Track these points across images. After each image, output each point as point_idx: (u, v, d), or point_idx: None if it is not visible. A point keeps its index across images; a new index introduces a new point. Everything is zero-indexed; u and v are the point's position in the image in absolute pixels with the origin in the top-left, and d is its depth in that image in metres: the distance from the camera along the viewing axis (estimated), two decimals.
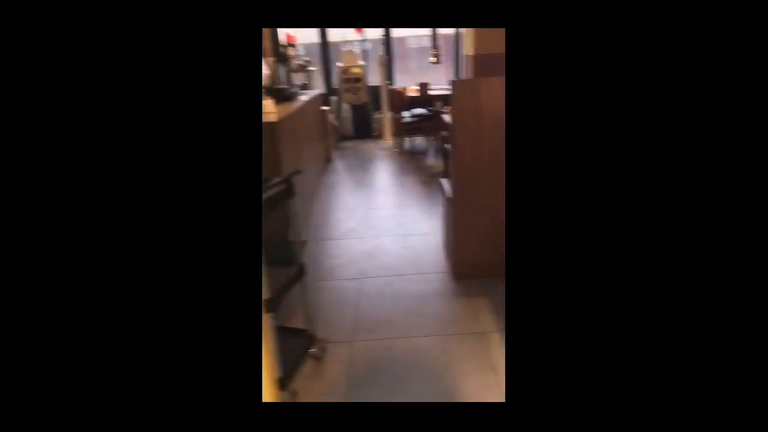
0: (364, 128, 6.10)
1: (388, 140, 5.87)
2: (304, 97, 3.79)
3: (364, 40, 6.17)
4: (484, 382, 1.66)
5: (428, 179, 4.19)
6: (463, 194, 2.27)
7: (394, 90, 5.39)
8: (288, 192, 1.63)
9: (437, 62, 5.50)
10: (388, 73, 5.87)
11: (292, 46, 4.77)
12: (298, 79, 4.86)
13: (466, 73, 3.45)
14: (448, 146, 2.64)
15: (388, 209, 3.58)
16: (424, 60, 5.85)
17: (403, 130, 5.29)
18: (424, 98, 5.11)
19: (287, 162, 2.68)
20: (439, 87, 5.16)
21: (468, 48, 3.34)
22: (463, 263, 2.38)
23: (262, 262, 1.24)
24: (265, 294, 1.38)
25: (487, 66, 3.17)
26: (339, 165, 5.00)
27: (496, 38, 3.10)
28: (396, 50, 6.08)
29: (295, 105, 3.29)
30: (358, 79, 5.78)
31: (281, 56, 4.21)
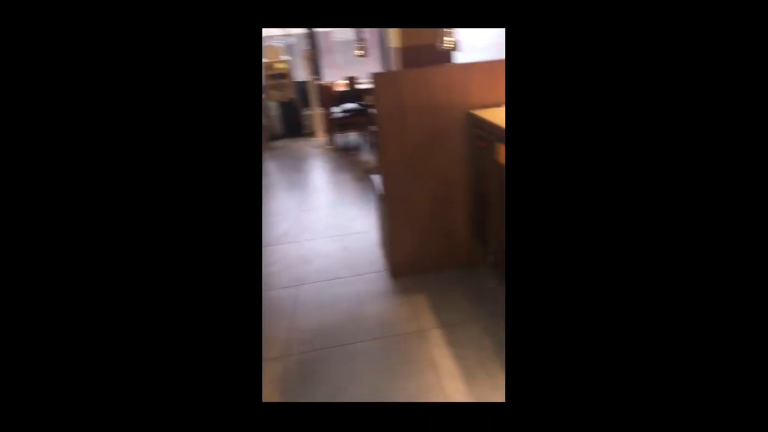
0: (294, 126, 5.91)
1: (320, 137, 5.73)
2: None
3: (287, 35, 5.95)
4: (425, 383, 1.62)
5: (363, 175, 4.11)
6: (394, 190, 2.22)
7: (322, 85, 5.24)
8: None
9: (364, 55, 5.41)
10: (315, 68, 5.71)
11: None
12: None
13: (394, 65, 3.40)
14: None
15: (324, 209, 3.47)
16: (351, 53, 5.74)
17: (334, 126, 5.17)
18: (353, 93, 5.01)
19: None
20: (368, 80, 5.08)
21: (394, 40, 3.29)
22: (400, 260, 2.34)
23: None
24: None
25: (414, 57, 3.15)
26: (270, 166, 4.80)
27: (423, 30, 3.07)
28: (321, 44, 5.92)
29: None
30: (283, 75, 5.57)
31: None
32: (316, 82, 5.46)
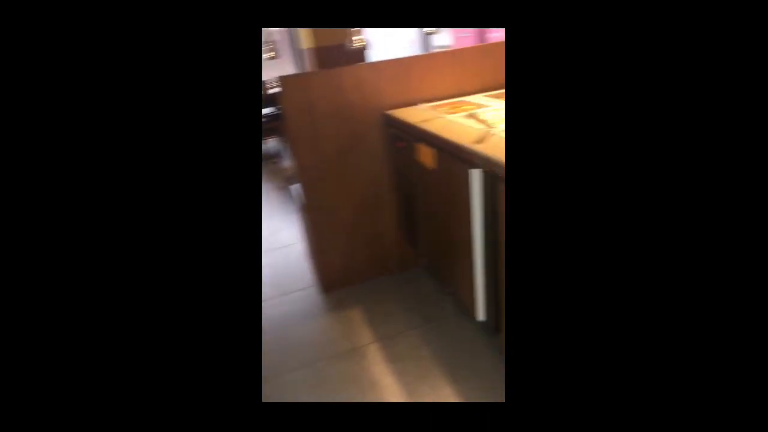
0: None
1: None
2: None
3: None
4: None
5: (284, 184, 3.91)
6: (315, 197, 2.08)
7: None
8: None
9: (275, 57, 5.18)
10: None
11: None
12: None
13: (308, 67, 3.24)
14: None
15: None
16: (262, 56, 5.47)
17: None
18: (266, 97, 4.76)
19: None
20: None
21: (306, 41, 3.14)
22: (330, 273, 2.20)
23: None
24: None
25: (328, 58, 3.01)
26: None
27: (336, 30, 2.95)
28: None
29: None
30: None
31: None
32: None
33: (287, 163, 4.61)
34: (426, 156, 1.71)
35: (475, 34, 4.25)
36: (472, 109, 1.85)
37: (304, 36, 3.13)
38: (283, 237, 2.86)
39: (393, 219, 2.22)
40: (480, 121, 1.52)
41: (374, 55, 3.14)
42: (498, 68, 2.16)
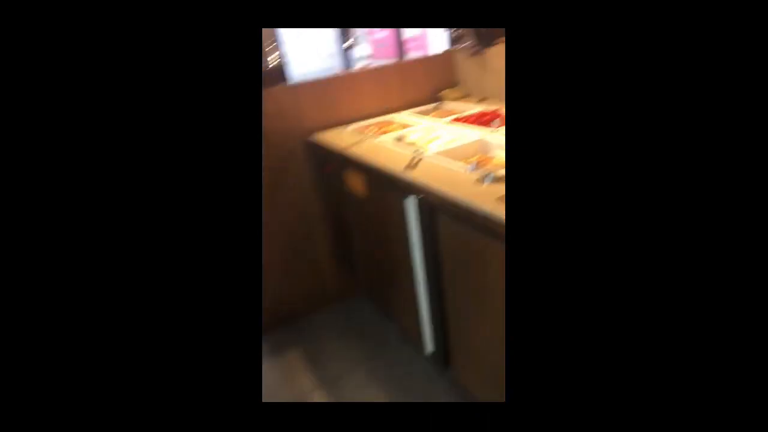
0: None
1: None
2: None
3: None
4: None
5: None
6: None
7: None
8: None
9: None
10: None
11: None
12: None
13: None
14: None
15: None
16: None
17: None
18: None
19: None
20: None
21: None
22: (266, 312, 2.02)
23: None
24: None
25: None
26: None
27: None
28: None
29: None
30: None
31: None
32: None
33: None
34: (356, 183, 1.61)
35: (393, 45, 4.25)
36: (399, 129, 1.77)
37: None
38: None
39: (327, 249, 2.09)
40: (409, 143, 1.45)
41: (294, 71, 3.00)
42: (420, 83, 2.12)
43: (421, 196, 1.22)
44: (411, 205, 1.27)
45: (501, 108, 1.73)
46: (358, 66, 4.18)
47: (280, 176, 1.90)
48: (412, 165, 1.30)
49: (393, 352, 1.80)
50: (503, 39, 1.97)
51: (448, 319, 1.33)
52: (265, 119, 1.79)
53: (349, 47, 4.57)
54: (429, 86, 2.15)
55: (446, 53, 2.16)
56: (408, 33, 4.27)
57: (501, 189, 1.01)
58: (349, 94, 1.97)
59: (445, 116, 1.80)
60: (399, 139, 1.41)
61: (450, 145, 1.42)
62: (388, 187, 1.39)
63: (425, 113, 1.97)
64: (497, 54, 1.90)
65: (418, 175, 1.22)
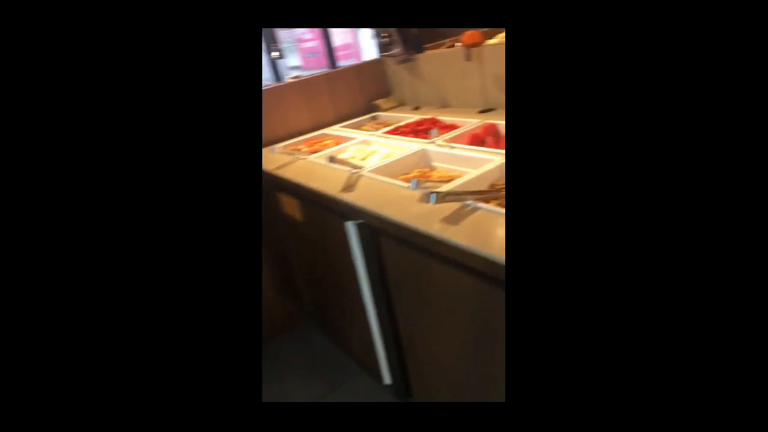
0: None
1: None
2: None
3: None
4: None
5: None
6: None
7: None
8: None
9: None
10: None
11: None
12: None
13: None
14: None
15: None
16: None
17: None
18: None
19: None
20: None
21: None
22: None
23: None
24: None
25: None
26: None
27: None
28: None
29: None
30: None
31: None
32: None
33: None
34: (291, 207, 1.48)
35: (324, 54, 4.15)
36: (333, 144, 1.67)
37: None
38: None
39: (269, 275, 1.94)
40: (343, 161, 1.34)
41: None
42: (353, 94, 2.03)
43: (361, 221, 1.12)
44: (352, 231, 1.16)
45: (437, 115, 1.68)
46: (287, 78, 4.03)
47: None
48: (349, 186, 1.20)
49: (351, 382, 1.68)
50: (434, 44, 1.92)
51: (404, 349, 1.23)
52: None
53: (278, 58, 4.40)
54: (362, 97, 2.06)
55: (377, 61, 2.08)
56: (339, 41, 4.18)
57: (446, 207, 0.93)
58: (277, 110, 1.84)
59: (381, 128, 1.72)
60: (333, 157, 1.30)
61: (388, 160, 1.33)
62: (325, 210, 1.28)
63: (360, 126, 1.88)
64: (428, 60, 1.84)
65: (356, 197, 1.11)
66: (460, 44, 1.65)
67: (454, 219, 0.89)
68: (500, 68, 1.56)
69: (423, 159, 1.38)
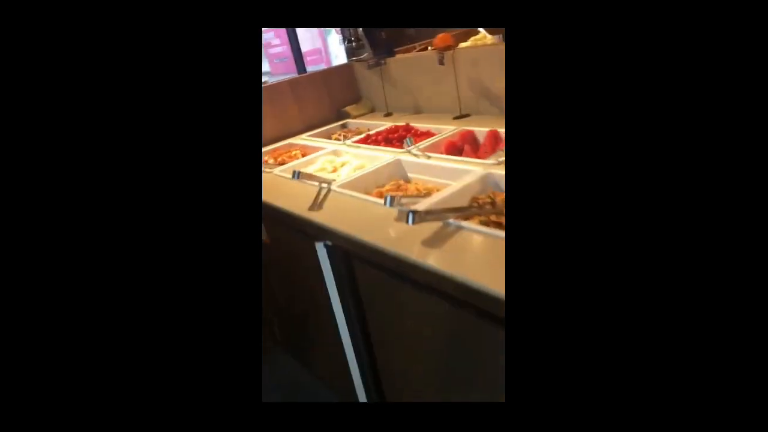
0: None
1: None
2: None
3: None
4: None
5: None
6: None
7: None
8: None
9: None
10: None
11: None
12: None
13: None
14: None
15: None
16: None
17: None
18: None
19: None
20: None
21: None
22: None
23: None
24: None
25: None
26: None
27: None
28: None
29: None
30: None
31: None
32: None
33: None
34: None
35: (292, 59, 4.02)
36: (300, 156, 1.56)
37: None
38: None
39: None
40: (310, 176, 1.23)
41: None
42: (321, 100, 1.93)
43: (330, 244, 1.01)
44: (322, 253, 1.06)
45: (410, 122, 1.59)
46: None
47: None
48: (318, 203, 1.09)
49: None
50: (405, 48, 1.84)
51: (382, 382, 1.13)
52: None
53: None
54: (330, 103, 1.96)
55: (346, 66, 1.99)
56: (308, 45, 4.06)
57: (425, 228, 0.84)
58: None
59: (351, 136, 1.62)
60: (299, 172, 1.19)
61: (360, 172, 1.23)
62: (293, 230, 1.17)
63: (329, 134, 1.77)
64: (399, 64, 1.76)
65: (325, 217, 1.01)
66: (431, 48, 1.57)
67: (435, 242, 0.80)
68: (474, 72, 1.48)
69: (397, 170, 1.28)
